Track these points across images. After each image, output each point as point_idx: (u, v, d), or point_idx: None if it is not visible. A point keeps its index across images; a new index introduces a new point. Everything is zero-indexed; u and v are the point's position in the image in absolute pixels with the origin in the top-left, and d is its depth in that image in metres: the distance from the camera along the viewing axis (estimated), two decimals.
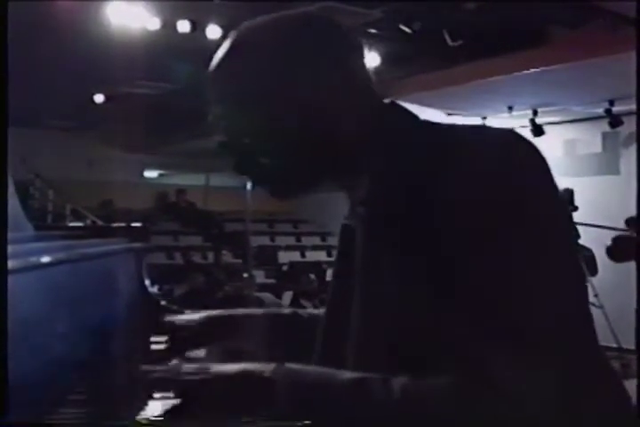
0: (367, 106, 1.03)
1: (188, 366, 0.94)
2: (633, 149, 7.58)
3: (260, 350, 1.29)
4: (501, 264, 0.83)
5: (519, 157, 0.89)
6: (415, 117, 1.02)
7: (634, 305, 4.55)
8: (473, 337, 0.81)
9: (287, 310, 1.38)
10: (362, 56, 1.05)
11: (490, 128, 0.97)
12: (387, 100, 1.05)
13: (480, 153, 0.88)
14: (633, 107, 6.20)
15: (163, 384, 0.94)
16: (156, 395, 0.97)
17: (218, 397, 0.91)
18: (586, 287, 0.96)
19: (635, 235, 4.97)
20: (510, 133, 0.93)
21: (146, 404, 1.17)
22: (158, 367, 0.98)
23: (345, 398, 0.86)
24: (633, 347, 5.10)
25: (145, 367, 0.97)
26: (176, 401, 0.93)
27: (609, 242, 4.90)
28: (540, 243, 0.85)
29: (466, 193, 0.86)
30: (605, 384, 0.93)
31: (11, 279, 1.00)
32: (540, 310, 0.82)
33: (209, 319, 1.33)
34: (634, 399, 0.99)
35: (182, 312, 1.68)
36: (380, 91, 1.06)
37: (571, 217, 0.97)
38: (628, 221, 5.84)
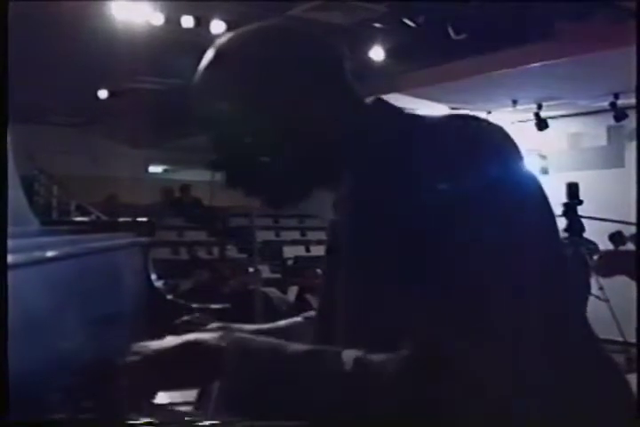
0: (349, 109, 1.04)
1: (133, 346, 0.94)
2: None
3: None
4: (474, 245, 0.85)
5: (483, 141, 0.93)
6: (398, 114, 1.04)
7: None
8: (434, 316, 0.83)
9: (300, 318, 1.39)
10: (341, 60, 1.07)
11: (458, 117, 0.99)
12: (370, 99, 1.07)
13: (443, 137, 0.92)
14: None
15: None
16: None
17: (161, 372, 0.90)
18: (562, 266, 0.96)
19: (619, 250, 5.02)
20: (473, 119, 0.96)
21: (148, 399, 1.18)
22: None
23: (296, 367, 0.86)
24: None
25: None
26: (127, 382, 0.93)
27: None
28: (508, 220, 0.87)
29: (431, 178, 0.88)
30: (591, 366, 0.94)
31: (18, 274, 1.01)
32: (504, 289, 0.83)
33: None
34: (634, 395, 0.99)
35: (190, 307, 1.69)
36: (362, 91, 1.08)
37: (542, 190, 0.99)
38: (612, 237, 5.86)
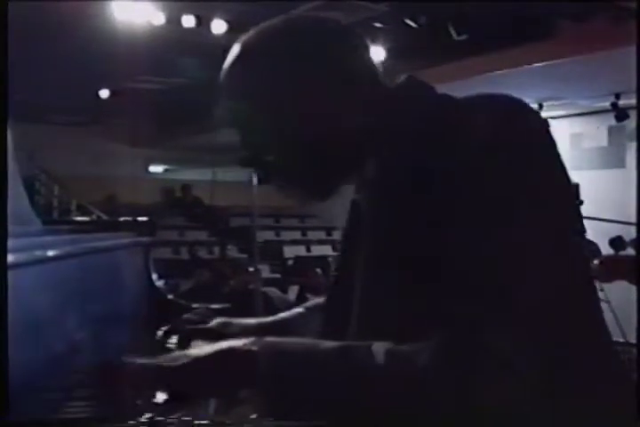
0: (375, 98, 1.04)
1: (166, 356, 0.94)
2: None
3: None
4: (500, 233, 0.84)
5: (521, 127, 0.91)
6: (426, 96, 1.04)
7: None
8: (468, 303, 0.82)
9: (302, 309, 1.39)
10: (366, 51, 1.07)
11: (493, 97, 0.96)
12: (401, 79, 1.07)
13: (480, 122, 0.90)
14: None
15: (145, 375, 0.93)
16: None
17: (201, 378, 0.91)
18: (584, 259, 0.96)
19: (619, 256, 5.01)
20: (514, 102, 0.94)
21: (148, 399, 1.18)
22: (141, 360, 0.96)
23: (329, 365, 0.86)
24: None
25: (127, 359, 0.96)
26: (165, 391, 0.92)
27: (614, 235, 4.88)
28: (540, 212, 0.86)
29: (465, 162, 0.87)
30: (602, 358, 0.94)
31: (19, 273, 1.01)
32: (536, 278, 0.83)
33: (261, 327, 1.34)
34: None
35: (190, 307, 1.69)
36: (387, 80, 1.08)
37: (570, 187, 0.99)
38: (613, 242, 5.84)
